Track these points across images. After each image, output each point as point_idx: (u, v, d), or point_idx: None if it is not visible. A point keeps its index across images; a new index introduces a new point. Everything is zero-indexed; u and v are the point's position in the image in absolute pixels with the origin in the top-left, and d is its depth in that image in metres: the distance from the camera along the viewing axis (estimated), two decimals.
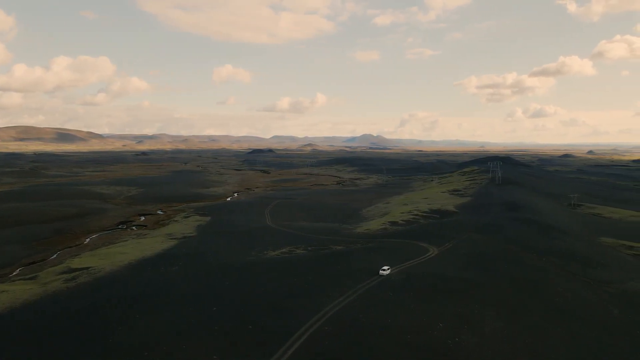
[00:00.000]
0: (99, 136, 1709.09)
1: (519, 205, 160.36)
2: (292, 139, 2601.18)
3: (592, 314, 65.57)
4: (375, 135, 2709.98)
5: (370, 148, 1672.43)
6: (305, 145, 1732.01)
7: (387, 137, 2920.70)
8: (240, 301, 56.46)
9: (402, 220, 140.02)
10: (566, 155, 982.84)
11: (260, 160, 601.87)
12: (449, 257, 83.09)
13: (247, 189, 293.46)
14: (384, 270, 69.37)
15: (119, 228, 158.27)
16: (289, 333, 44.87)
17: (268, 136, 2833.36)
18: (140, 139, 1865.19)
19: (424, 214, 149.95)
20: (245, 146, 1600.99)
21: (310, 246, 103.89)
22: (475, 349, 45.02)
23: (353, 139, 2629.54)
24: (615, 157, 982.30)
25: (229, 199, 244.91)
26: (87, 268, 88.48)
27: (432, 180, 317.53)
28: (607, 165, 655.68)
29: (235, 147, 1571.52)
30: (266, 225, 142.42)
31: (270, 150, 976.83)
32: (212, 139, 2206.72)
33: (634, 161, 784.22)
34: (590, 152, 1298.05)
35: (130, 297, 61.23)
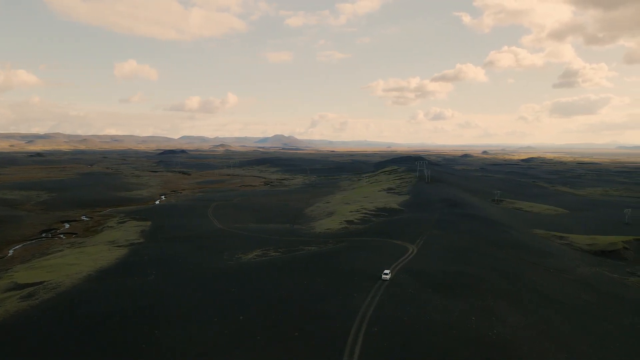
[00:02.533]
0: None
1: (456, 202, 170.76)
2: (203, 139, 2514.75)
3: (569, 298, 71.62)
4: (287, 135, 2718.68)
5: (283, 149, 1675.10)
6: (217, 145, 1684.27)
7: (299, 137, 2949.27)
8: (264, 307, 53.11)
9: (355, 219, 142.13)
10: (465, 155, 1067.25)
11: (176, 161, 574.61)
12: (431, 253, 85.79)
13: (174, 191, 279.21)
14: (386, 274, 66.86)
15: (44, 237, 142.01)
16: (341, 337, 43.22)
17: (177, 136, 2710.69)
18: (31, 138, 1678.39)
19: (373, 213, 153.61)
20: (152, 147, 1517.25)
21: (280, 248, 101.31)
22: (513, 339, 47.04)
23: (265, 139, 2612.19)
24: (507, 157, 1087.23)
25: (157, 202, 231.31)
26: (40, 283, 77.77)
27: (359, 180, 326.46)
28: (503, 164, 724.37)
29: (142, 147, 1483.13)
30: (217, 228, 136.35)
31: (182, 151, 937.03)
32: (115, 139, 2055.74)
33: (522, 160, 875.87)
34: (484, 152, 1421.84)
35: (127, 311, 54.64)
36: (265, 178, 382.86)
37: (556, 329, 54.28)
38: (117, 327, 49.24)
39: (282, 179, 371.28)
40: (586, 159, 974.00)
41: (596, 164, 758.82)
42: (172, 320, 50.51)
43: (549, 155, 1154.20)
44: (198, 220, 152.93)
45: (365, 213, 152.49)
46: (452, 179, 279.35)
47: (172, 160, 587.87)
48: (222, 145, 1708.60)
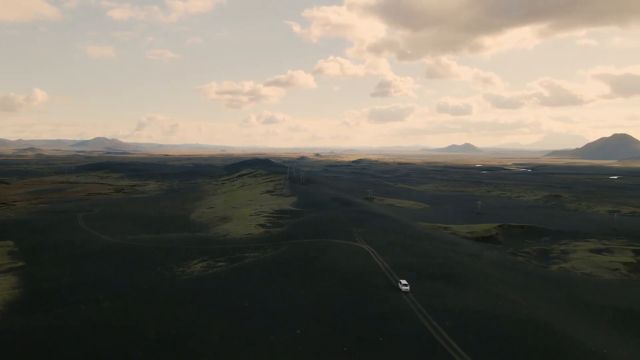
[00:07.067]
0: None
1: (345, 201, 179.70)
2: (1, 142, 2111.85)
3: (508, 279, 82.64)
4: (110, 138, 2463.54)
5: (108, 153, 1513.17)
6: (24, 149, 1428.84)
7: (124, 140, 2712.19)
8: (308, 318, 49.09)
9: (265, 222, 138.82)
10: (302, 158, 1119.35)
11: None
12: (386, 249, 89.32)
13: (3, 203, 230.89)
14: (406, 286, 62.04)
15: None
16: (425, 334, 43.06)
17: None
18: None
19: (276, 215, 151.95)
20: None
21: (218, 257, 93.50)
22: (541, 317, 53.23)
23: (84, 142, 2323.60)
24: (339, 159, 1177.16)
25: None
26: None
27: (222, 184, 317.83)
28: (339, 165, 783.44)
29: None
30: (113, 242, 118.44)
31: None
32: None
33: (353, 162, 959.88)
34: (317, 154, 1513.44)
35: (144, 346, 44.78)
36: (112, 185, 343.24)
37: (542, 307, 62.94)
38: None
39: (134, 185, 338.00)
40: (403, 160, 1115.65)
41: (413, 164, 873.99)
42: (221, 348, 43.49)
43: (373, 157, 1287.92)
44: (78, 235, 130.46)
45: (268, 216, 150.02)
46: (321, 180, 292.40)
47: None
48: (30, 149, 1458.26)
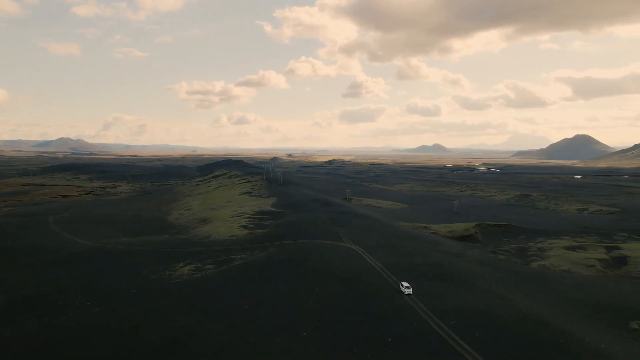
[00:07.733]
0: None
1: (325, 202, 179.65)
2: None
3: (496, 277, 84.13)
4: (75, 139, 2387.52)
5: (73, 153, 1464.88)
6: None
7: (90, 141, 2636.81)
8: (311, 318, 48.51)
9: (248, 223, 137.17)
10: (275, 158, 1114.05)
11: None
12: (376, 250, 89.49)
13: None
14: (408, 288, 61.13)
15: None
16: (431, 333, 43.30)
17: None
18: None
19: (257, 216, 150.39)
20: None
21: (205, 260, 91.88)
22: (538, 315, 54.49)
23: (47, 143, 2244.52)
24: (311, 159, 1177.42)
25: None
26: None
27: (198, 185, 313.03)
28: (313, 166, 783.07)
29: None
30: (91, 246, 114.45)
31: None
32: None
33: (326, 162, 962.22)
34: (289, 155, 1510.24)
35: (149, 352, 43.26)
36: (81, 187, 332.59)
37: (536, 304, 64.38)
38: None
39: (104, 187, 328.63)
40: (375, 160, 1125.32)
41: (385, 164, 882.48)
42: (225, 350, 42.54)
43: (345, 157, 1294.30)
44: (51, 239, 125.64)
45: (249, 217, 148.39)
46: (298, 181, 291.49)
47: None
48: None
